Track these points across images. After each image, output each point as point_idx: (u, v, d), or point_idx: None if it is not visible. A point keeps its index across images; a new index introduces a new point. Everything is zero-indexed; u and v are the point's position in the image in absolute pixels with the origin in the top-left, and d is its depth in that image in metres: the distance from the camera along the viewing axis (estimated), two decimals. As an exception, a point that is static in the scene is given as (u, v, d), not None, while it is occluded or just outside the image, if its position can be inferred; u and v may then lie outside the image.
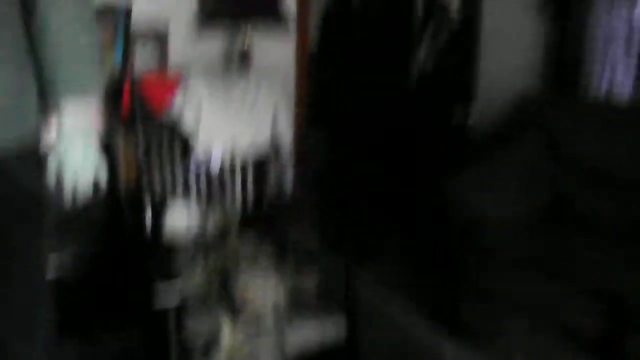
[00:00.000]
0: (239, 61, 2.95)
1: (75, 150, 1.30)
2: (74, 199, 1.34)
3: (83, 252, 2.21)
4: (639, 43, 2.93)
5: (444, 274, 2.76)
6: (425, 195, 3.23)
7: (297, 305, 1.82)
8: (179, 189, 2.30)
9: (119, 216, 2.39)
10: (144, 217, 2.17)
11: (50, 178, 1.32)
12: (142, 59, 2.79)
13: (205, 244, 1.99)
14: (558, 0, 3.17)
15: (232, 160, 2.39)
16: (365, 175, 4.04)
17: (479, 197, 2.66)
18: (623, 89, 3.03)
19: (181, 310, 1.67)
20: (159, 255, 1.91)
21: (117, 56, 2.58)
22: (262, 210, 2.43)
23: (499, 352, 2.46)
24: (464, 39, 3.32)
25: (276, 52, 3.34)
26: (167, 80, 2.34)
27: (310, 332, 1.84)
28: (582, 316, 2.22)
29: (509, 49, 3.42)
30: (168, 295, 1.57)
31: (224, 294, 1.71)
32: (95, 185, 1.37)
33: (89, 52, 1.30)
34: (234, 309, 1.67)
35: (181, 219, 2.10)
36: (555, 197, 2.86)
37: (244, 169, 2.44)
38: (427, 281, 2.92)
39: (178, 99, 2.23)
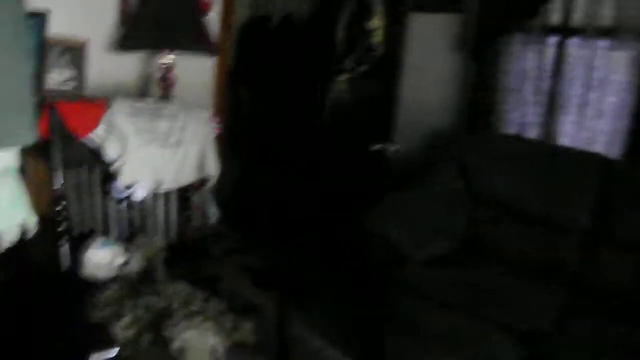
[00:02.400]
0: (161, 85, 2.83)
1: (4, 196, 1.17)
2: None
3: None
4: (548, 86, 3.11)
5: (369, 313, 2.77)
6: (345, 230, 3.24)
7: (233, 349, 1.74)
8: (100, 223, 2.16)
9: (27, 251, 2.20)
10: (59, 252, 2.01)
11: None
12: (59, 73, 2.63)
13: (132, 284, 1.86)
14: (475, 43, 3.30)
15: (157, 192, 2.28)
16: (280, 209, 4.00)
17: (398, 236, 2.68)
18: (532, 127, 3.20)
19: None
20: (79, 298, 1.77)
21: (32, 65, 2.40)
22: (188, 244, 2.34)
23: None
24: (386, 70, 3.36)
25: (196, 70, 3.26)
26: (89, 105, 2.18)
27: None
28: (501, 351, 2.29)
29: (429, 85, 3.53)
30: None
31: (159, 346, 1.60)
32: (23, 229, 1.25)
33: (21, 90, 1.17)
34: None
35: (102, 254, 1.96)
36: (471, 232, 2.96)
37: (167, 200, 2.34)
38: (354, 321, 2.94)
39: (100, 128, 2.09)
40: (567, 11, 3.01)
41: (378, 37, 3.33)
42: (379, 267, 2.73)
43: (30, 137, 1.20)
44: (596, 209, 2.68)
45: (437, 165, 3.18)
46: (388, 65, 3.36)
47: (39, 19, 2.48)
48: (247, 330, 1.85)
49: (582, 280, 2.63)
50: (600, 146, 2.96)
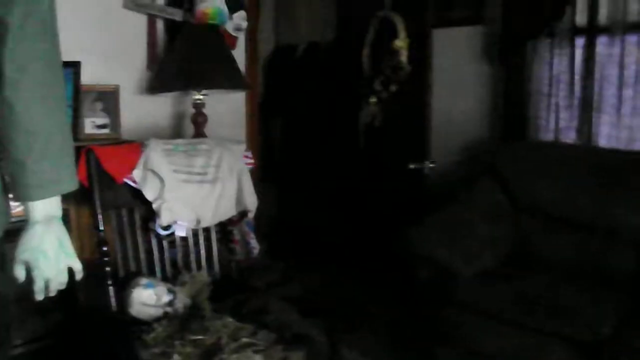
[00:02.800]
0: (194, 123, 2.87)
1: (49, 243, 1.18)
2: (47, 292, 1.22)
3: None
4: (580, 88, 3.05)
5: (421, 334, 2.72)
6: (389, 250, 3.21)
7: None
8: (143, 262, 2.18)
9: (75, 294, 2.24)
10: (106, 294, 2.03)
11: (18, 274, 1.19)
12: (94, 118, 2.70)
13: (179, 321, 1.87)
14: (503, 50, 3.27)
15: (197, 228, 2.29)
16: (321, 236, 3.99)
17: (444, 253, 2.65)
18: (568, 131, 3.13)
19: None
20: (128, 338, 1.78)
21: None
22: (232, 278, 2.34)
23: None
24: (415, 87, 3.35)
25: (227, 105, 3.31)
26: (125, 148, 2.22)
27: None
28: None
29: (459, 98, 3.50)
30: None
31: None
32: (71, 275, 1.26)
33: (61, 135, 1.18)
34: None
35: (147, 294, 1.97)
36: (518, 244, 2.89)
37: (208, 235, 2.35)
38: (405, 343, 2.89)
39: (137, 170, 2.12)
40: (592, 9, 2.96)
41: (403, 56, 3.32)
42: (427, 287, 2.69)
43: (72, 184, 1.21)
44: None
45: (476, 178, 3.13)
46: (417, 83, 3.34)
47: (72, 67, 2.56)
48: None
49: (638, 283, 2.54)
50: (640, 144, 2.88)
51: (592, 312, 2.29)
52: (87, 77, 2.64)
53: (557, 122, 3.17)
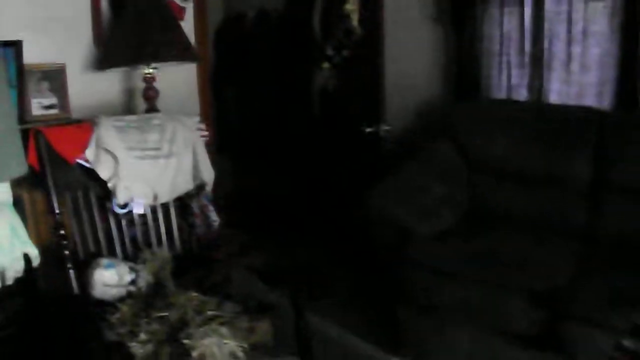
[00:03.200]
0: (144, 98, 2.82)
1: (1, 231, 1.16)
2: (3, 281, 1.20)
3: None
4: (530, 46, 3.09)
5: (383, 295, 2.78)
6: (347, 213, 3.24)
7: (252, 350, 1.74)
8: (103, 243, 2.15)
9: (34, 280, 2.20)
10: (66, 278, 2.00)
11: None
12: (41, 99, 2.62)
13: (143, 299, 1.86)
14: (454, 10, 3.28)
15: (155, 205, 2.27)
16: (280, 203, 4.00)
17: (401, 213, 2.68)
18: (520, 89, 3.19)
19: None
20: (93, 320, 1.77)
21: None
22: (193, 252, 2.33)
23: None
24: (368, 51, 3.35)
25: (178, 78, 3.26)
26: (75, 128, 2.17)
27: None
28: (518, 314, 2.29)
29: (412, 60, 3.51)
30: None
31: (178, 357, 1.60)
32: (27, 261, 1.24)
33: (2, 119, 1.15)
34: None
35: (109, 274, 1.95)
36: (473, 201, 2.96)
37: (167, 211, 2.33)
38: (368, 304, 2.95)
39: (90, 149, 2.08)
40: (539, -33, 2.99)
41: (354, 20, 3.31)
42: (385, 247, 2.74)
43: (20, 168, 1.19)
44: (595, 160, 2.68)
45: (430, 139, 3.17)
46: (369, 46, 3.34)
47: (13, 47, 2.47)
48: (263, 329, 1.86)
49: (591, 232, 2.65)
50: (589, 99, 2.94)
51: (546, 264, 2.37)
52: (31, 56, 2.56)
53: (509, 80, 3.21)
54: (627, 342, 1.54)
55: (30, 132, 1.99)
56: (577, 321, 2.10)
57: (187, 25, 3.23)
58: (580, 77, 2.97)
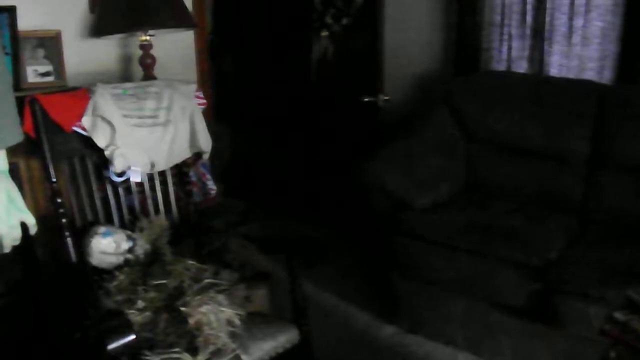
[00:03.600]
0: (141, 65, 2.79)
1: (-1, 199, 1.16)
2: (1, 249, 1.21)
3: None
4: (532, 18, 3.06)
5: (379, 264, 2.80)
6: (344, 183, 3.25)
7: (249, 317, 1.77)
8: (100, 211, 2.16)
9: (32, 249, 2.22)
10: (64, 246, 2.01)
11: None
12: (36, 66, 2.60)
13: (140, 267, 1.87)
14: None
15: (152, 173, 2.27)
16: (278, 172, 4.00)
17: (398, 184, 2.69)
18: (520, 61, 3.16)
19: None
20: (90, 288, 1.78)
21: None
22: (190, 220, 2.34)
23: (440, 333, 2.55)
24: (368, 20, 3.31)
25: (175, 45, 3.22)
26: (71, 96, 2.15)
27: (266, 345, 1.80)
28: (510, 286, 2.32)
29: (412, 31, 3.48)
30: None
31: (175, 324, 1.62)
32: (24, 229, 1.24)
33: (0, 88, 1.14)
34: (191, 341, 1.59)
35: (106, 242, 1.96)
36: (470, 174, 2.96)
37: (164, 179, 2.33)
38: (363, 273, 2.97)
39: (86, 117, 2.07)
40: (543, -63, 2.94)
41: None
42: (382, 218, 2.75)
43: (16, 136, 1.17)
44: (594, 135, 2.67)
45: (429, 111, 3.16)
46: (369, 15, 3.30)
47: (7, 13, 2.43)
48: (260, 297, 1.88)
49: (587, 207, 2.66)
50: (590, 73, 2.93)
51: (541, 237, 2.39)
52: (26, 22, 2.52)
53: (509, 52, 3.18)
54: (618, 315, 1.56)
55: (26, 100, 1.98)
56: (569, 294, 2.12)
57: (185, -9, 3.19)
58: (581, 51, 2.94)
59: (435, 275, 2.52)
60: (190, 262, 1.92)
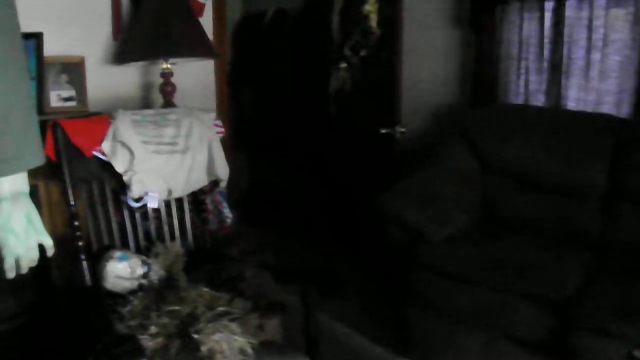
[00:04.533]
0: (162, 93, 2.83)
1: (17, 220, 1.16)
2: (18, 270, 1.21)
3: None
4: (550, 51, 3.07)
5: (394, 296, 2.77)
6: (361, 214, 3.24)
7: (261, 347, 1.75)
8: (116, 235, 2.17)
9: (48, 271, 2.23)
10: (79, 269, 2.02)
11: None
12: (59, 91, 2.65)
13: (155, 293, 1.87)
14: (473, 13, 3.27)
15: (169, 199, 2.28)
16: (295, 202, 4.00)
17: (415, 216, 2.68)
18: (538, 95, 3.17)
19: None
20: (104, 312, 1.78)
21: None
22: (206, 247, 2.34)
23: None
24: (386, 52, 3.34)
25: (195, 74, 3.27)
26: (93, 121, 2.19)
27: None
28: (528, 322, 2.28)
29: (429, 63, 3.50)
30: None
31: (188, 351, 1.61)
32: (42, 251, 1.25)
33: (24, 109, 1.15)
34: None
35: (121, 267, 1.97)
36: (487, 206, 2.94)
37: (181, 206, 2.34)
38: (378, 305, 2.94)
39: (106, 142, 2.09)
40: (561, -28, 2.97)
41: (373, 20, 3.30)
42: (398, 250, 2.73)
43: (38, 159, 1.19)
44: (612, 168, 2.65)
45: (446, 143, 3.16)
46: (387, 48, 3.33)
47: (34, 39, 2.49)
48: (273, 327, 1.86)
49: (605, 241, 2.62)
50: (608, 107, 2.93)
51: (558, 272, 2.35)
52: (51, 48, 2.58)
53: (526, 86, 3.19)
54: (637, 353, 1.53)
55: (48, 124, 2.02)
56: (587, 330, 2.08)
57: (206, 21, 3.25)
58: (599, 85, 2.94)
59: (451, 308, 2.49)
60: (205, 289, 1.91)
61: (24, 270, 1.21)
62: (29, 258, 1.19)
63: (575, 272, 2.36)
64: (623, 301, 2.12)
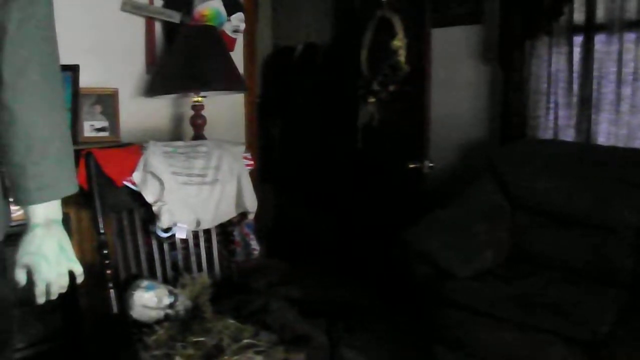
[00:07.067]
0: (192, 125, 2.88)
1: (50, 246, 1.18)
2: (48, 296, 1.22)
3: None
4: (579, 86, 3.05)
5: (420, 334, 2.73)
6: (388, 250, 3.21)
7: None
8: (144, 265, 2.18)
9: (76, 298, 2.25)
10: (107, 297, 2.04)
11: (19, 278, 1.19)
12: (93, 122, 2.71)
13: (180, 323, 1.87)
14: (501, 49, 3.28)
15: (197, 230, 2.30)
16: (322, 236, 3.99)
17: (442, 252, 2.65)
18: (567, 130, 3.14)
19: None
20: (130, 341, 1.79)
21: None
22: (232, 279, 2.34)
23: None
24: (414, 87, 3.35)
25: (226, 107, 3.32)
26: (124, 151, 2.23)
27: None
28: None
29: (458, 98, 3.51)
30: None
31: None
32: (71, 278, 1.26)
33: (60, 138, 1.18)
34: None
35: (148, 296, 1.98)
36: (516, 243, 2.89)
37: (209, 237, 2.36)
38: (405, 341, 2.89)
39: (137, 173, 2.13)
40: (590, 7, 2.97)
41: (402, 56, 3.33)
42: (425, 286, 2.70)
43: (72, 187, 1.21)
44: (644, 206, 2.60)
45: (474, 178, 3.14)
46: (415, 83, 3.34)
47: (71, 71, 2.56)
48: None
49: (638, 279, 2.55)
50: (639, 142, 2.88)
51: (590, 310, 2.29)
52: (86, 80, 2.65)
53: (555, 121, 3.17)
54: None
55: (82, 153, 2.06)
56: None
57: (237, 55, 3.30)
58: (630, 119, 2.91)
59: (478, 347, 2.43)
60: (230, 321, 1.91)
61: (54, 296, 1.22)
62: (60, 284, 1.21)
63: (608, 310, 2.30)
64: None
